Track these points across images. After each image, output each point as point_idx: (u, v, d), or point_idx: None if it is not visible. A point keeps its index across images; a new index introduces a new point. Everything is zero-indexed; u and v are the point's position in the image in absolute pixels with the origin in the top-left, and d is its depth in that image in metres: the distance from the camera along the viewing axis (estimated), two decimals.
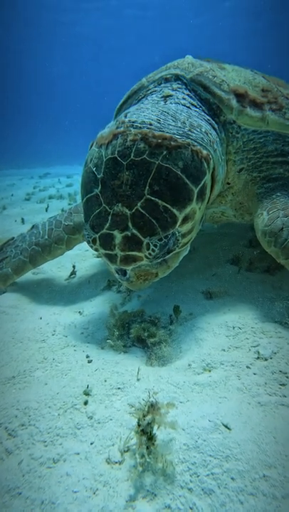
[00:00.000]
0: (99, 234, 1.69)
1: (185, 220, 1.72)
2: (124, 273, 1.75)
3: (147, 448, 1.17)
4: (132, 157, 1.66)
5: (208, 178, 1.85)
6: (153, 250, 1.64)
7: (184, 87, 2.26)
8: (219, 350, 1.81)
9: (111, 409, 1.44)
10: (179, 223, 1.69)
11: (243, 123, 2.26)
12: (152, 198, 1.62)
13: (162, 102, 2.13)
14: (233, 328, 1.98)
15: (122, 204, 1.64)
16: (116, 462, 1.17)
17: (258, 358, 1.72)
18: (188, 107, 2.12)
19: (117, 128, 1.78)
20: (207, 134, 2.00)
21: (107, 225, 1.66)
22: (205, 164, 1.79)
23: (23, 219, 5.49)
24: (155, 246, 1.64)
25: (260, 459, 1.13)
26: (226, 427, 1.26)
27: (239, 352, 1.78)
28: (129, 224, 1.62)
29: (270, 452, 1.16)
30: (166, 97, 2.17)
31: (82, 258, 3.42)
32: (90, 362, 1.78)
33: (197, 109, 2.16)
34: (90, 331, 2.10)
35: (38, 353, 1.85)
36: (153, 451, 1.16)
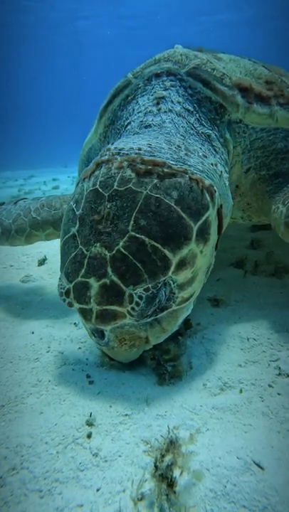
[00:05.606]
0: (73, 283, 1.35)
1: (182, 265, 1.34)
2: (101, 335, 1.37)
3: (167, 497, 0.97)
4: (114, 187, 1.36)
5: (212, 213, 1.47)
6: (137, 304, 1.27)
7: (178, 83, 1.97)
8: (235, 365, 1.62)
9: (119, 442, 1.24)
10: (172, 268, 1.31)
11: (251, 121, 2.02)
12: (137, 236, 1.28)
13: (155, 110, 1.88)
14: (248, 339, 1.80)
15: (100, 244, 1.31)
16: None
17: (279, 374, 1.55)
18: (184, 117, 1.87)
19: (101, 157, 1.52)
20: (206, 157, 1.70)
21: (83, 271, 1.32)
22: (207, 196, 1.45)
23: None
24: (140, 298, 1.27)
25: None
26: (258, 465, 1.07)
27: (258, 368, 1.60)
28: (109, 269, 1.28)
29: None
30: (158, 100, 1.92)
31: None
32: (91, 383, 1.56)
33: (193, 117, 1.90)
34: (88, 345, 1.89)
35: (31, 375, 1.63)
36: (173, 501, 0.96)
